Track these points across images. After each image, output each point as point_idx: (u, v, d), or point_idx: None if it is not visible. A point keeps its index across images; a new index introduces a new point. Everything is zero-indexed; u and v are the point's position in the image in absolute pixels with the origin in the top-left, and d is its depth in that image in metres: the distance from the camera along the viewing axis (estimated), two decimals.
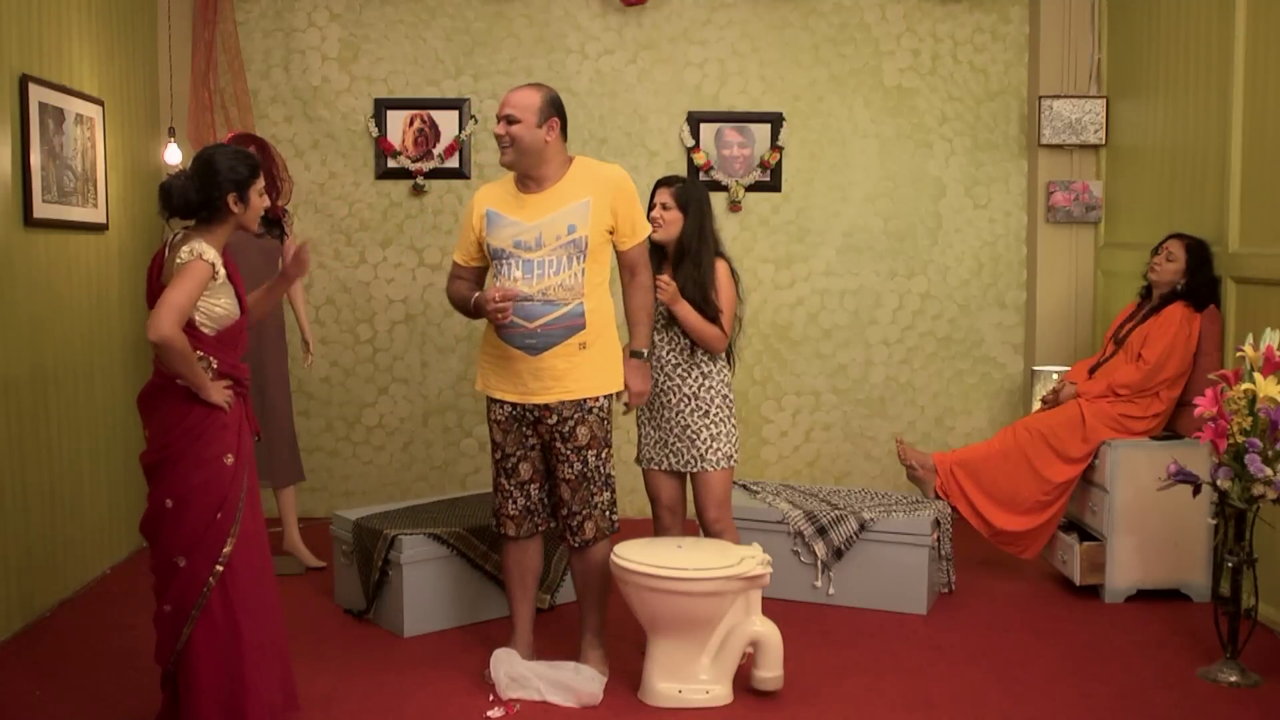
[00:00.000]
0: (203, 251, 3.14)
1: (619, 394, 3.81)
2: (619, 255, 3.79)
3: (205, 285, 3.14)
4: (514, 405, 3.73)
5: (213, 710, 3.14)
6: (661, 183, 4.10)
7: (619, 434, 6.06)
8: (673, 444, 4.07)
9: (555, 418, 3.69)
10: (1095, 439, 4.75)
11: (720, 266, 4.05)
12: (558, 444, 3.72)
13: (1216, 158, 4.77)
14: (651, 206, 4.04)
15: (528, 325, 3.64)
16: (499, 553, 4.32)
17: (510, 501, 3.82)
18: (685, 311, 3.96)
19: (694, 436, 4.03)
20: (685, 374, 4.03)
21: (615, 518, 3.84)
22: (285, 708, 3.34)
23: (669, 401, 4.05)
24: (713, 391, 4.04)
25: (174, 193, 3.20)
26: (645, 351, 3.85)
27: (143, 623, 4.36)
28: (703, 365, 4.05)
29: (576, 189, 3.70)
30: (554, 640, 4.18)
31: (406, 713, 3.59)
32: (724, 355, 4.11)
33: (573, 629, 4.33)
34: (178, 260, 3.14)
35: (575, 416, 3.70)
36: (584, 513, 3.77)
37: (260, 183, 3.27)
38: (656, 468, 4.12)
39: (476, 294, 3.74)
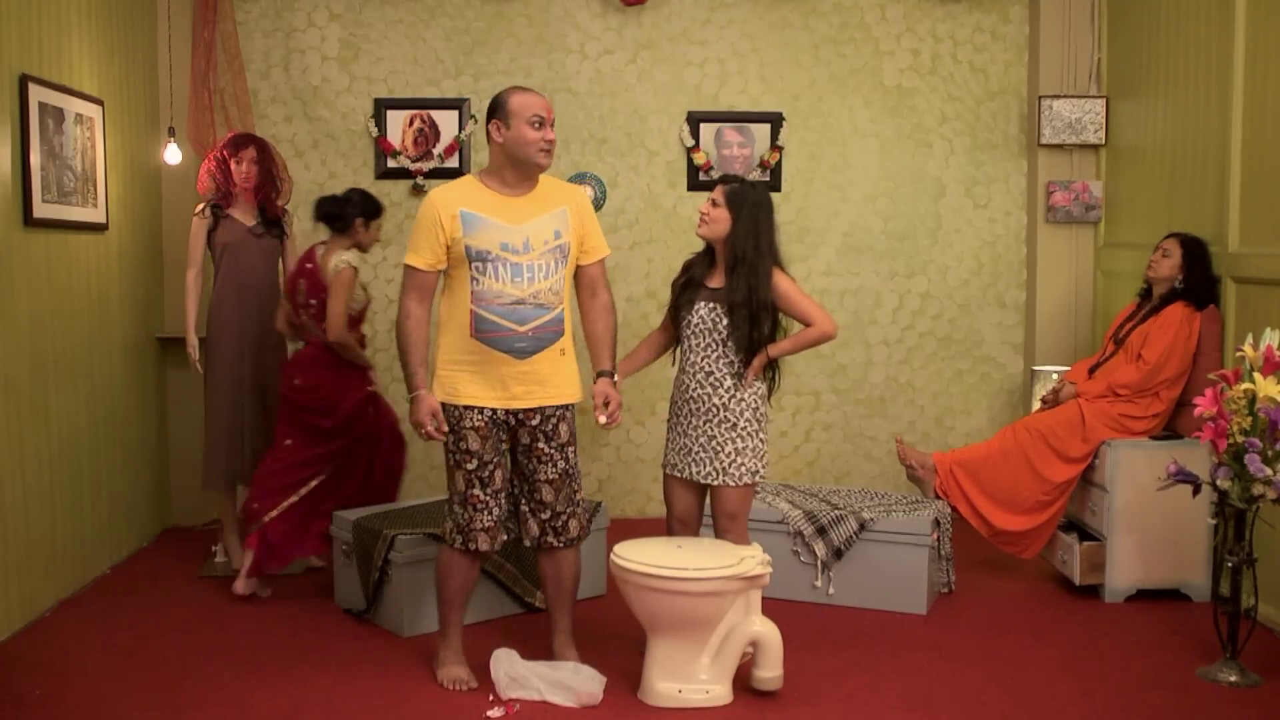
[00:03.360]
0: (350, 260, 4.64)
1: (602, 408, 3.78)
2: (580, 271, 3.83)
3: (354, 285, 4.67)
4: (494, 410, 3.70)
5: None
6: (719, 180, 4.00)
7: (619, 433, 6.07)
8: (696, 453, 3.94)
9: (538, 418, 3.71)
10: (1095, 439, 4.75)
11: (780, 275, 3.89)
12: (540, 444, 3.72)
13: (1216, 158, 4.77)
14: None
15: (519, 329, 3.64)
16: (497, 553, 4.35)
17: (486, 513, 3.73)
18: (781, 350, 3.90)
19: (718, 448, 3.90)
20: (718, 383, 3.90)
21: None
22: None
23: (697, 409, 3.92)
24: (743, 405, 3.89)
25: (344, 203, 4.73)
26: (612, 370, 3.85)
27: (143, 622, 4.38)
28: (738, 378, 3.91)
29: (555, 197, 3.75)
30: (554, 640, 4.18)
31: (406, 713, 3.60)
32: (766, 370, 3.95)
33: (573, 629, 4.33)
34: (331, 270, 4.63)
35: (558, 415, 3.74)
36: (569, 511, 3.79)
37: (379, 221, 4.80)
38: (678, 474, 4.00)
39: (422, 394, 3.66)
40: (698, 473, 3.94)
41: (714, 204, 3.89)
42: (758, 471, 3.94)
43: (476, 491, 3.71)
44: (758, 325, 3.84)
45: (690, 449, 3.96)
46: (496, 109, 3.69)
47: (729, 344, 3.88)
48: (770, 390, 4.00)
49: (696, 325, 3.91)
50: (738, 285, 3.83)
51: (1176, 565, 4.68)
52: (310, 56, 5.95)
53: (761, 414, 3.95)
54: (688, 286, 3.98)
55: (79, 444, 4.81)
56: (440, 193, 3.72)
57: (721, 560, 3.62)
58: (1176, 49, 5.13)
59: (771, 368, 3.97)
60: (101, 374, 5.03)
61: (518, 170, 3.69)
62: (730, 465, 3.90)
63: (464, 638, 4.09)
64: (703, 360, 3.92)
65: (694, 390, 3.93)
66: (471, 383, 3.68)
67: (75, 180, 4.75)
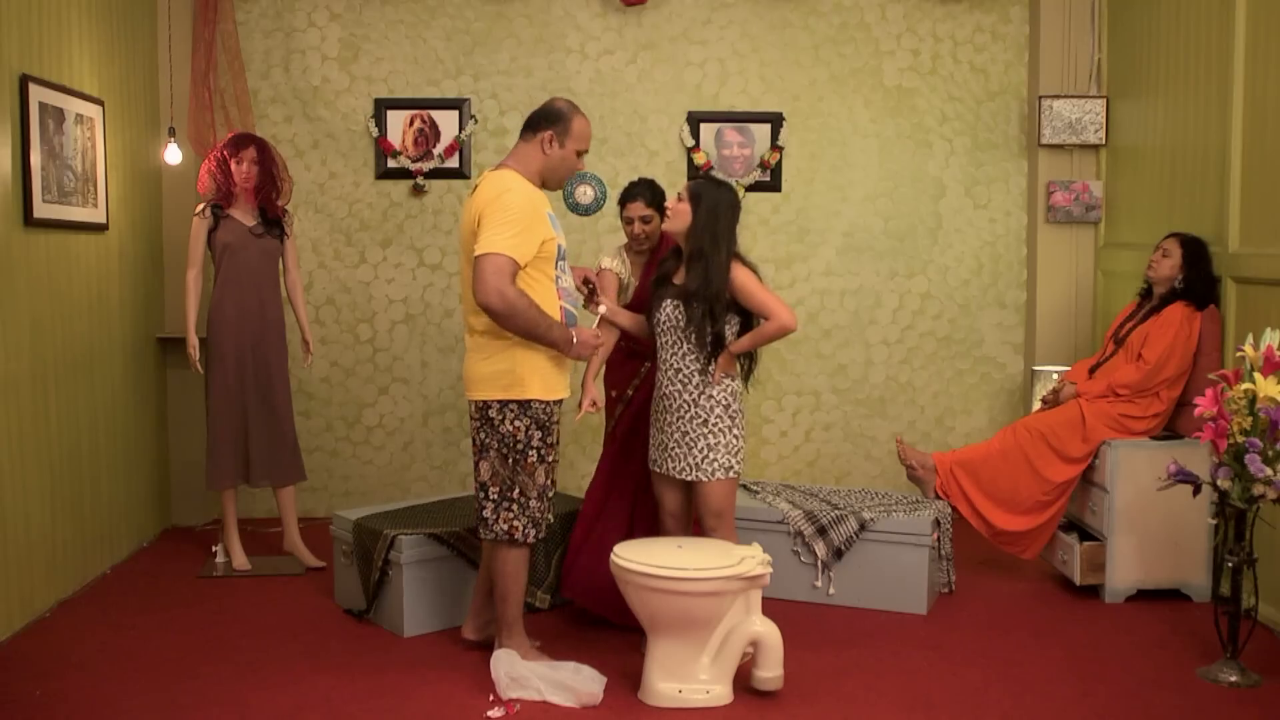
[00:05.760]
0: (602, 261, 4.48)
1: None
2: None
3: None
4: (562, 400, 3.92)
5: None
6: (691, 178, 4.11)
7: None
8: (671, 449, 3.97)
9: None
10: (1095, 439, 4.75)
11: (739, 268, 3.89)
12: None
13: (1216, 158, 4.77)
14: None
15: (578, 320, 3.91)
16: None
17: (551, 499, 3.90)
18: (741, 346, 3.89)
19: (691, 444, 3.92)
20: (687, 380, 3.92)
21: None
22: None
23: (670, 406, 3.96)
24: (713, 401, 3.91)
25: None
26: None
27: (143, 622, 4.38)
28: (706, 374, 3.93)
29: None
30: (554, 640, 4.18)
31: (406, 713, 3.60)
32: (740, 365, 3.97)
33: (573, 629, 4.35)
34: None
35: None
36: None
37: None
38: (658, 470, 4.05)
39: (574, 330, 3.77)
40: (674, 468, 3.97)
41: (679, 198, 3.96)
42: (732, 467, 3.94)
43: (551, 481, 3.86)
44: (713, 317, 3.85)
45: (667, 445, 3.99)
46: (557, 121, 3.78)
47: (694, 340, 3.91)
48: (745, 384, 4.02)
49: (664, 322, 3.94)
50: (693, 277, 3.87)
51: (1176, 565, 4.68)
52: (310, 56, 5.95)
53: (735, 410, 3.95)
54: (659, 284, 4.03)
55: (79, 444, 4.81)
56: (523, 188, 3.71)
57: (722, 560, 3.62)
58: (1176, 49, 5.14)
59: (744, 362, 3.98)
60: (101, 374, 5.03)
61: (542, 181, 3.83)
62: (703, 461, 3.91)
63: (463, 638, 4.12)
64: (672, 357, 3.95)
65: (666, 387, 3.97)
66: (559, 375, 3.82)
67: (75, 180, 4.75)
